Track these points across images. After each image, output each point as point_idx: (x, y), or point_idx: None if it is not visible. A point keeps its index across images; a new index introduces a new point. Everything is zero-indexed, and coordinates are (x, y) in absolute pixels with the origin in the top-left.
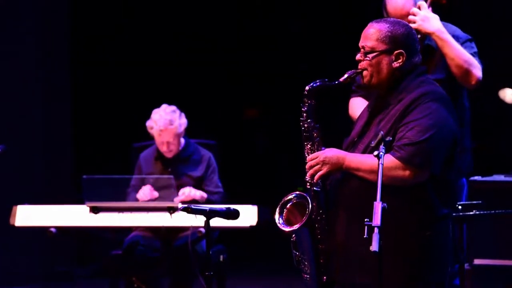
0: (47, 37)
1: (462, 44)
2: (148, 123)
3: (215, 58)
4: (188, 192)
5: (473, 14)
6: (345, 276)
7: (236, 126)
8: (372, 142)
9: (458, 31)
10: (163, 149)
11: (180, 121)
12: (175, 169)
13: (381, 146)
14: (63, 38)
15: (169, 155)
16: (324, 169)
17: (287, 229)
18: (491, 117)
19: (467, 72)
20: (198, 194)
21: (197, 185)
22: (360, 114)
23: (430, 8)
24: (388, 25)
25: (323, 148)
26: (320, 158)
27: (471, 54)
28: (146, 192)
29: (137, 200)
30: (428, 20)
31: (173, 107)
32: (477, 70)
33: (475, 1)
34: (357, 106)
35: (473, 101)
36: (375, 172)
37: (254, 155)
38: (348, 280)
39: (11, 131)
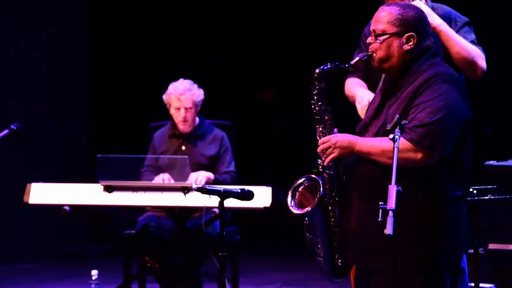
0: (65, 15)
1: (460, 28)
2: (165, 95)
3: (231, 39)
4: (198, 180)
5: None
6: (358, 260)
7: (252, 107)
8: (388, 126)
9: (455, 14)
10: (179, 118)
11: (198, 91)
12: (189, 147)
13: (397, 130)
14: (81, 16)
15: (184, 126)
16: (336, 153)
17: (299, 211)
18: (507, 102)
19: (472, 64)
20: (205, 178)
21: (210, 164)
22: (373, 98)
23: None
24: (398, 8)
25: (335, 130)
26: (332, 142)
27: (472, 41)
28: (165, 179)
29: (151, 181)
30: (431, 15)
31: (191, 81)
32: (482, 61)
33: None
34: (353, 85)
35: (489, 87)
36: (386, 154)
37: (269, 136)
38: (361, 264)
39: (26, 110)
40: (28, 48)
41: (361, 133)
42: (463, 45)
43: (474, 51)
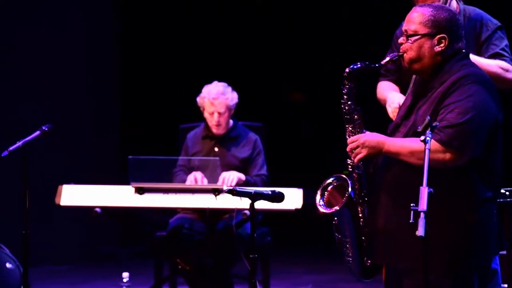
0: (97, 18)
1: (492, 34)
2: (199, 98)
3: (262, 41)
4: (230, 180)
5: None
6: (387, 260)
7: (283, 109)
8: (419, 127)
9: (486, 18)
10: (212, 122)
11: (232, 95)
12: (222, 149)
13: (428, 131)
14: (112, 20)
15: (217, 130)
16: (364, 152)
17: (327, 211)
18: None
19: (499, 79)
20: (236, 178)
21: (242, 166)
22: (405, 99)
23: None
24: (431, 9)
25: (364, 130)
26: (360, 141)
27: (502, 48)
28: (198, 178)
29: (184, 181)
30: None
31: (225, 83)
32: (509, 73)
33: None
34: (385, 89)
35: None
36: (415, 155)
37: (300, 138)
38: (390, 265)
39: (58, 111)
40: (60, 50)
41: (392, 134)
42: (485, 66)
43: (498, 68)
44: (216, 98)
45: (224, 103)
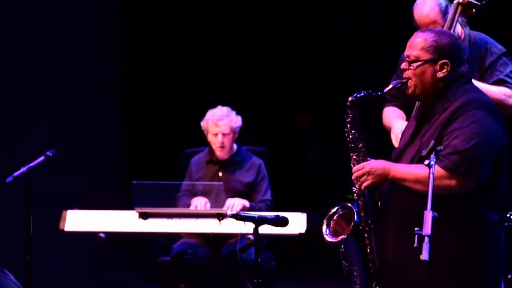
0: (100, 41)
1: (496, 60)
2: (203, 121)
3: (266, 66)
4: (234, 207)
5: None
6: (395, 287)
7: (288, 134)
8: (423, 152)
9: (491, 43)
10: (216, 144)
11: (236, 118)
12: (226, 173)
13: (432, 156)
14: (116, 45)
15: (221, 152)
16: (370, 180)
17: (333, 240)
18: None
19: (503, 106)
20: (241, 205)
21: (247, 191)
22: (407, 124)
23: (459, 18)
24: (433, 34)
25: (368, 158)
26: (366, 169)
27: (506, 75)
28: (201, 203)
29: (188, 206)
30: None
31: (229, 107)
32: None
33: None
34: (391, 115)
35: None
36: (421, 181)
37: (304, 162)
38: None
39: (62, 136)
40: (63, 75)
41: (396, 160)
42: (488, 91)
43: (502, 94)
44: (221, 119)
45: (228, 124)
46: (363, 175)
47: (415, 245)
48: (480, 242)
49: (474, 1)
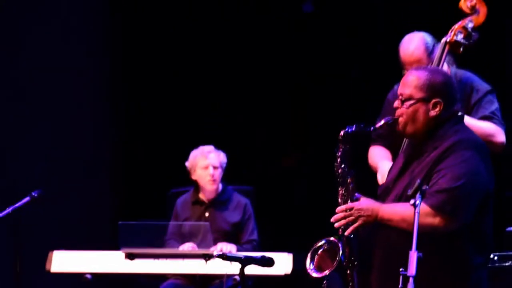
0: (88, 88)
1: (482, 98)
2: (188, 161)
3: (251, 105)
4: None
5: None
6: None
7: (274, 173)
8: (409, 191)
9: (477, 82)
10: (207, 178)
11: (223, 154)
12: (212, 213)
13: (418, 195)
14: (104, 87)
15: (212, 186)
16: (359, 222)
17: (317, 275)
18: None
19: (488, 142)
20: (229, 248)
21: (233, 231)
22: (395, 162)
23: (447, 57)
24: (427, 73)
25: (357, 194)
26: (355, 211)
27: (492, 112)
28: (186, 249)
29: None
30: None
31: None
32: (499, 136)
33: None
34: (378, 155)
35: (508, 151)
36: (407, 221)
37: (290, 202)
38: None
39: (49, 176)
40: (53, 120)
41: (383, 197)
42: (476, 128)
43: (487, 130)
44: (210, 152)
45: (217, 158)
46: (351, 215)
47: (400, 286)
48: (463, 284)
49: (462, 41)
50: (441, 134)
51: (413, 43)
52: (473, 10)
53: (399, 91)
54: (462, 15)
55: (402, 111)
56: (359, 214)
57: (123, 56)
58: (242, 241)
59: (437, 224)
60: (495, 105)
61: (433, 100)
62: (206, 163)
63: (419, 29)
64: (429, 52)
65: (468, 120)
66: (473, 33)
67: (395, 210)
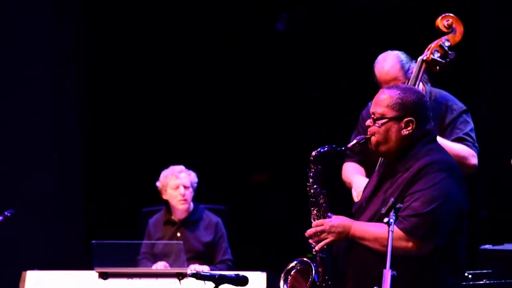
0: (57, 101)
1: (456, 118)
2: (158, 181)
3: (222, 123)
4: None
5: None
6: None
7: (246, 191)
8: (383, 209)
9: (452, 101)
10: (178, 198)
11: (193, 174)
12: (184, 233)
13: (391, 213)
14: (72, 105)
15: (183, 206)
16: (330, 238)
17: None
18: (504, 185)
19: (460, 164)
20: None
21: (206, 251)
22: (369, 180)
23: (423, 76)
24: (399, 91)
25: (329, 214)
26: (326, 227)
27: (466, 133)
28: (159, 268)
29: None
30: None
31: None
32: (471, 159)
33: None
34: (350, 171)
35: (485, 169)
36: (379, 241)
37: (263, 220)
38: None
39: (21, 195)
40: (23, 129)
41: (357, 215)
42: (449, 147)
43: (460, 152)
44: (180, 172)
45: (188, 177)
46: (322, 232)
47: None
48: None
49: (438, 59)
50: (414, 153)
51: (388, 62)
52: (450, 28)
53: (371, 110)
54: (439, 33)
55: (374, 130)
56: (330, 230)
57: (91, 73)
58: (216, 261)
59: (410, 248)
60: (469, 126)
61: (405, 119)
62: (176, 183)
63: (394, 48)
64: (405, 71)
65: (442, 141)
66: (449, 52)
67: (368, 229)
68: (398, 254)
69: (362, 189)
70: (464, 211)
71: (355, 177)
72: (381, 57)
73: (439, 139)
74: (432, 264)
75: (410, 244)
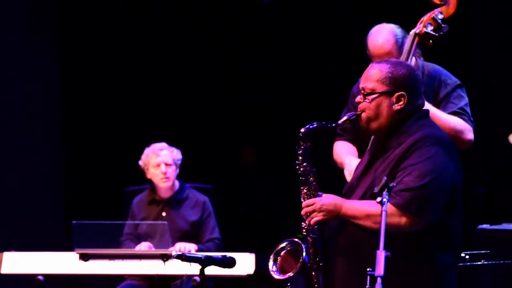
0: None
1: (451, 93)
2: (141, 159)
3: (209, 100)
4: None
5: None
6: None
7: (234, 171)
8: (375, 188)
9: (446, 75)
10: (159, 176)
11: (177, 151)
12: (170, 213)
13: (385, 192)
14: (54, 84)
15: (165, 183)
16: (320, 216)
17: (280, 277)
18: (500, 162)
19: (456, 138)
20: (188, 248)
21: (193, 230)
22: (362, 158)
23: (416, 50)
24: (389, 65)
25: (319, 192)
26: (317, 206)
27: (461, 108)
28: (143, 249)
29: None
30: None
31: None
32: (467, 133)
33: None
34: (342, 150)
35: (483, 148)
36: (371, 218)
37: (252, 201)
38: None
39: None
40: (5, 111)
41: (348, 195)
42: (444, 121)
43: (456, 125)
44: (161, 149)
45: (170, 154)
46: (313, 211)
47: (367, 286)
48: (431, 284)
49: (432, 32)
50: (406, 129)
51: (382, 36)
52: (443, 1)
53: (361, 85)
54: (432, 6)
55: (365, 106)
56: (321, 209)
57: (69, 53)
58: (203, 240)
59: (402, 224)
60: (464, 100)
61: (397, 94)
62: (158, 161)
63: (385, 20)
64: (399, 45)
65: (437, 113)
66: (443, 25)
67: (359, 207)
68: (391, 231)
69: (354, 168)
70: (459, 185)
71: (347, 157)
72: (375, 30)
73: (436, 110)
74: (425, 241)
75: (403, 219)
